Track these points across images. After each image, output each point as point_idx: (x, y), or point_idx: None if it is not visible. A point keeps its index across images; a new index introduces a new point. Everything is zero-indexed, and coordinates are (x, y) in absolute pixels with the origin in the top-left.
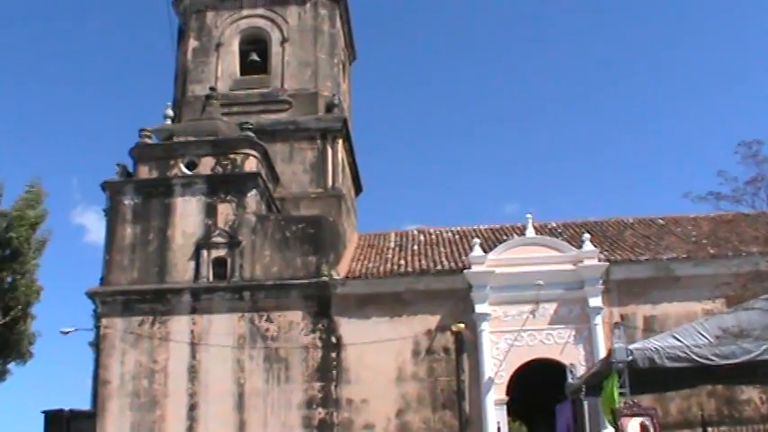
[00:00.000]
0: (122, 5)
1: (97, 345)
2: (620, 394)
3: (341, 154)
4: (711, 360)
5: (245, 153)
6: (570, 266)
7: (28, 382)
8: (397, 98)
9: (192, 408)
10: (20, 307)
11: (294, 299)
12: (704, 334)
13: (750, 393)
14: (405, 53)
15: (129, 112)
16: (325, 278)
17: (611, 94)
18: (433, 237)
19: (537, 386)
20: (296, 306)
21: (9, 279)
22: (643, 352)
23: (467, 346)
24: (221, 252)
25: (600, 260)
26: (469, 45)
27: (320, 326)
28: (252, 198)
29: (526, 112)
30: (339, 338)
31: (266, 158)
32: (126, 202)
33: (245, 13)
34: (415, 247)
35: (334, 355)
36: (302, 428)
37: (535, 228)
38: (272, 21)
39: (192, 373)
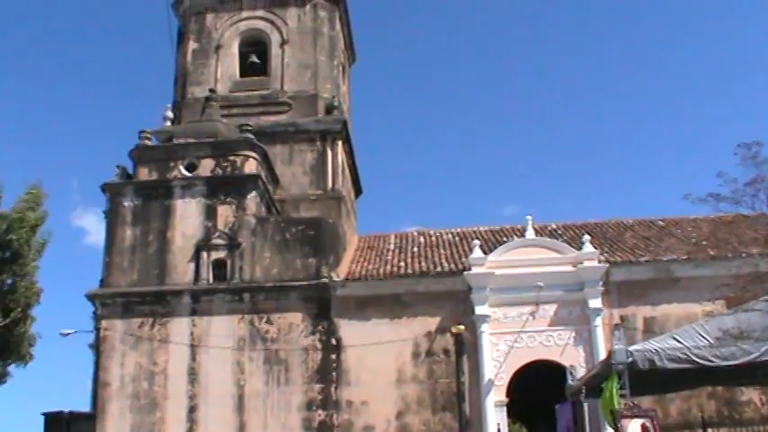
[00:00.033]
0: (122, 8)
1: (97, 347)
2: (621, 396)
3: (341, 156)
4: (711, 361)
5: (244, 155)
6: (570, 268)
7: (28, 384)
8: (397, 100)
9: (192, 410)
10: (20, 309)
11: (294, 301)
12: (704, 335)
13: (750, 395)
14: (404, 55)
15: (129, 114)
16: (325, 280)
17: (610, 96)
18: (433, 238)
19: (537, 388)
20: (296, 308)
21: (9, 281)
22: (643, 353)
23: (467, 347)
24: (221, 254)
25: (600, 262)
26: (469, 46)
27: (320, 328)
28: (252, 200)
29: (526, 113)
30: (339, 340)
31: (266, 160)
32: (126, 203)
33: (244, 14)
34: (415, 249)
35: (334, 356)
36: (302, 430)
37: (535, 229)
38: (272, 23)
39: (192, 374)
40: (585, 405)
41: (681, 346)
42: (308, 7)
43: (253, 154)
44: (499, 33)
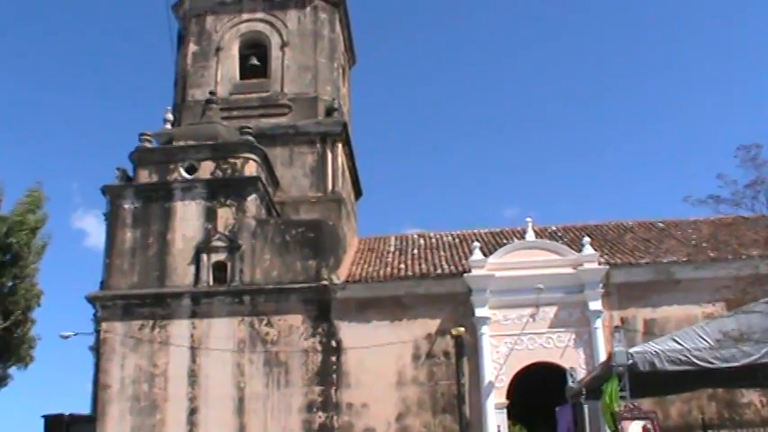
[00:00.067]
0: (122, 10)
1: (97, 349)
2: (621, 398)
3: (341, 158)
4: (712, 363)
5: (244, 157)
6: (570, 270)
7: (28, 387)
8: (397, 102)
9: (192, 412)
10: (20, 311)
11: (294, 303)
12: (705, 337)
13: (750, 396)
14: (404, 57)
15: (129, 117)
16: (325, 282)
17: (610, 98)
18: (433, 240)
19: (537, 390)
20: (296, 310)
21: (9, 284)
22: (643, 355)
23: (467, 349)
24: (221, 256)
25: (600, 263)
26: (469, 48)
27: (320, 330)
28: (252, 202)
29: (526, 115)
30: (339, 342)
31: (266, 162)
32: (126, 206)
33: (244, 17)
34: (415, 251)
35: (334, 359)
36: None
37: (535, 231)
38: (272, 25)
39: (192, 377)
40: (586, 407)
41: (681, 347)
42: (308, 9)
43: (253, 156)
44: (499, 35)
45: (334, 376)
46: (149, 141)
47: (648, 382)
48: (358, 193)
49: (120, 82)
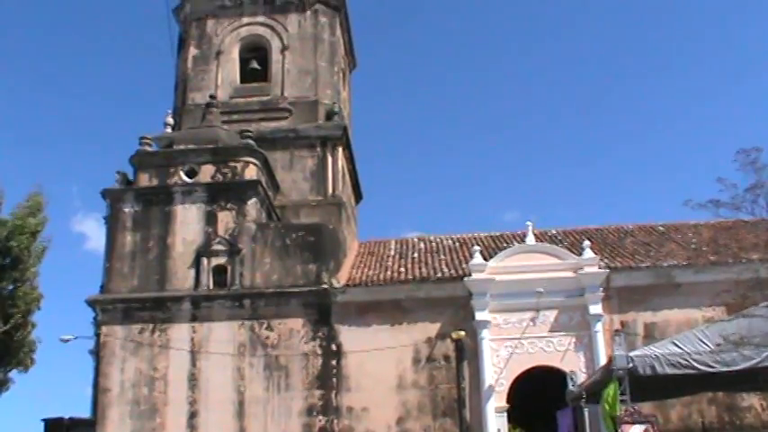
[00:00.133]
0: (123, 13)
1: (97, 352)
2: (621, 401)
3: (341, 162)
4: (712, 367)
5: (245, 161)
6: (570, 274)
7: (28, 390)
8: (397, 106)
9: (193, 415)
10: (20, 315)
11: (294, 307)
12: (705, 341)
13: (751, 400)
14: (404, 61)
15: (130, 120)
16: (325, 286)
17: (610, 101)
18: (434, 244)
19: (537, 394)
20: (296, 314)
21: (9, 287)
22: (643, 359)
23: (467, 353)
24: (221, 260)
25: (600, 267)
26: (469, 52)
27: (320, 333)
28: (252, 206)
29: (526, 119)
30: (339, 346)
31: (266, 166)
32: (126, 209)
33: (245, 20)
34: (416, 255)
35: (334, 362)
36: None
37: (535, 235)
38: (273, 29)
39: (193, 380)
40: (586, 411)
41: (681, 351)
42: (308, 13)
43: (253, 160)
44: (499, 39)
45: (335, 380)
46: (150, 145)
47: (649, 386)
48: (358, 196)
49: (121, 85)
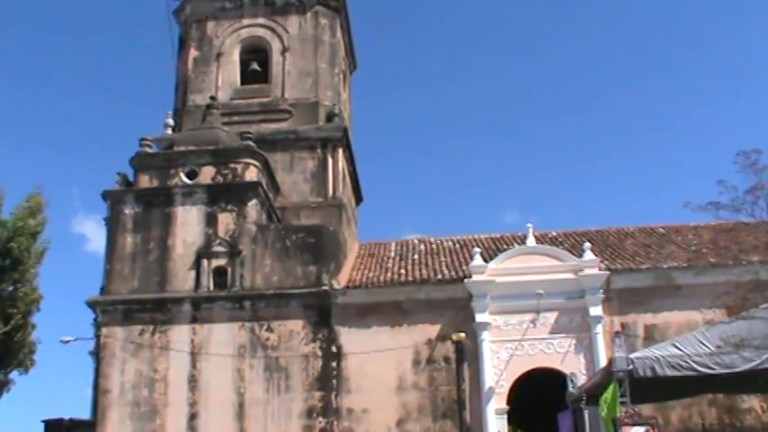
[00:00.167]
0: (123, 14)
1: (97, 354)
2: (621, 403)
3: (341, 163)
4: (712, 369)
5: (245, 162)
6: (571, 275)
7: (28, 391)
8: (398, 107)
9: (193, 417)
10: (20, 316)
11: (294, 308)
12: (705, 343)
13: (751, 402)
14: (404, 62)
15: (130, 121)
16: (325, 287)
17: (610, 103)
18: (434, 246)
19: (537, 395)
20: (296, 315)
21: (9, 288)
22: (644, 361)
23: (467, 355)
24: (222, 261)
25: (600, 269)
26: (469, 53)
27: (320, 335)
28: (252, 207)
29: (526, 120)
30: (339, 348)
31: (267, 168)
32: (126, 211)
33: (245, 22)
34: (416, 257)
35: (334, 364)
36: None
37: (536, 237)
38: (273, 30)
39: (193, 382)
40: (586, 413)
41: (681, 353)
42: (308, 15)
43: (253, 161)
44: (499, 40)
45: (335, 381)
46: (150, 146)
47: (649, 388)
48: (358, 198)
49: (121, 87)
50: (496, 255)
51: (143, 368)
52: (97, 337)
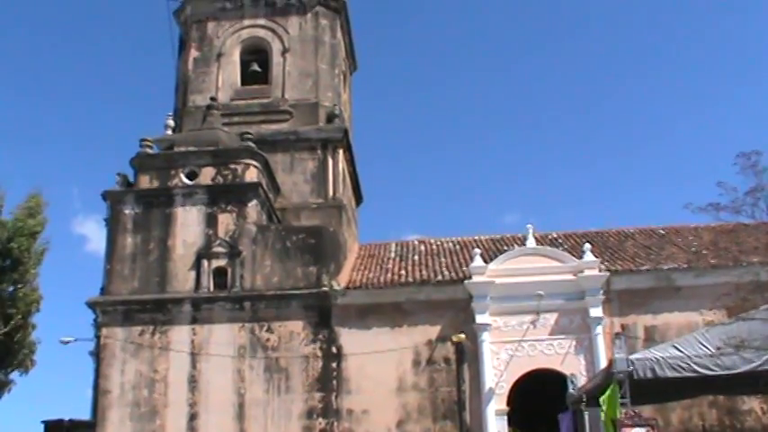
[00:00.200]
0: (123, 15)
1: (97, 354)
2: (621, 404)
3: (342, 164)
4: (713, 370)
5: (245, 163)
6: (571, 277)
7: (28, 392)
8: (398, 108)
9: (193, 417)
10: (20, 316)
11: (295, 309)
12: (705, 344)
13: (751, 404)
14: (405, 63)
15: (130, 122)
16: (325, 288)
17: (611, 103)
18: (434, 247)
19: (538, 397)
20: (296, 316)
21: (9, 288)
22: (644, 362)
23: (467, 356)
24: (222, 262)
25: (601, 270)
26: (469, 55)
27: (321, 336)
28: (252, 208)
29: (526, 121)
30: (340, 348)
31: (267, 169)
32: (127, 211)
33: (246, 23)
34: (416, 258)
35: (334, 365)
36: None
37: (536, 238)
38: (273, 31)
39: (193, 382)
40: (586, 414)
41: (682, 354)
42: (309, 16)
43: (254, 162)
44: (499, 41)
45: (335, 382)
46: (150, 147)
47: (649, 389)
48: (359, 199)
49: (121, 87)
50: (497, 256)
51: (143, 369)
52: (97, 337)
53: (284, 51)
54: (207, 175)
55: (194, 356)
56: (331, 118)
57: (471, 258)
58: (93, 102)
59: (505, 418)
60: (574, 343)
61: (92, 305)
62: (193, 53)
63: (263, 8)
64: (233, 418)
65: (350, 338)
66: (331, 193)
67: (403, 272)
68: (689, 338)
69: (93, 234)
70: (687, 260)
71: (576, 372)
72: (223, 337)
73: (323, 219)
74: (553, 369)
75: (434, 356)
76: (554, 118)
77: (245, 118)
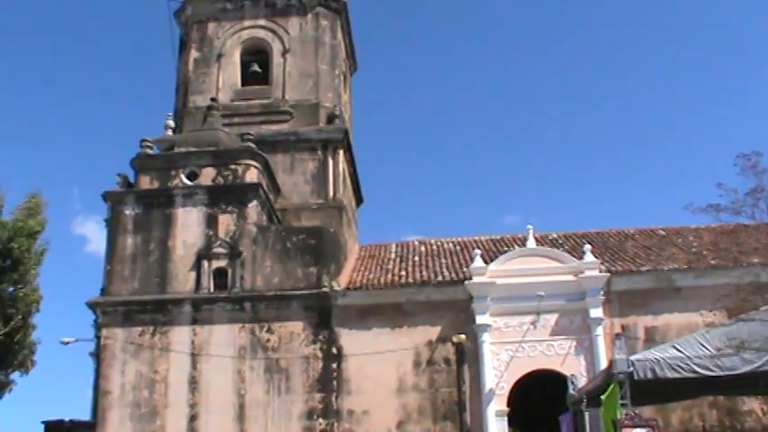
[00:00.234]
0: (124, 16)
1: (98, 355)
2: (622, 405)
3: (342, 165)
4: (713, 371)
5: (246, 164)
6: (571, 277)
7: (28, 392)
8: (398, 109)
9: (193, 418)
10: (20, 316)
11: (295, 310)
12: (705, 345)
13: (752, 404)
14: (405, 64)
15: (131, 123)
16: (325, 289)
17: (611, 104)
18: (434, 247)
19: (538, 397)
20: (297, 317)
21: (10, 289)
22: (644, 363)
23: (468, 357)
24: (222, 263)
25: (601, 271)
26: (469, 56)
27: (321, 337)
28: (253, 209)
29: (526, 122)
30: (340, 349)
31: (267, 169)
32: (127, 212)
33: (246, 23)
34: (416, 258)
35: (334, 365)
36: None
37: (536, 239)
38: (274, 32)
39: (193, 383)
40: (587, 415)
41: (682, 355)
42: (309, 16)
43: (254, 163)
44: (499, 42)
45: (335, 383)
46: (150, 148)
47: (649, 390)
48: (359, 199)
49: (122, 88)
50: (497, 256)
51: (143, 369)
52: (97, 338)
53: (284, 52)
54: (207, 175)
55: (194, 357)
56: (331, 118)
57: (471, 259)
58: (93, 102)
59: (506, 418)
60: (574, 344)
61: (92, 306)
62: (194, 54)
63: (263, 9)
64: (233, 418)
65: (350, 339)
66: (331, 193)
67: (403, 272)
68: (689, 339)
69: (94, 235)
70: (687, 261)
71: (577, 372)
72: (223, 337)
73: (323, 219)
74: (553, 370)
75: (435, 357)
76: (554, 118)
77: (246, 118)
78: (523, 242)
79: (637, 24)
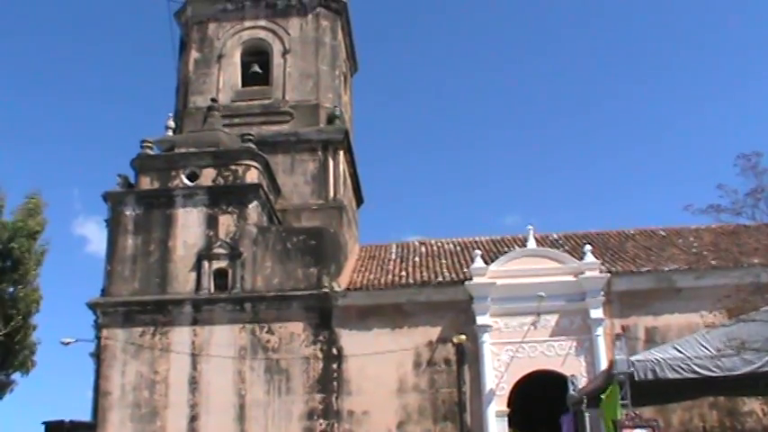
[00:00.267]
0: (124, 16)
1: (98, 355)
2: (622, 406)
3: (342, 165)
4: (713, 372)
5: (246, 164)
6: (571, 278)
7: (28, 393)
8: (398, 109)
9: (193, 419)
10: (20, 317)
11: (295, 310)
12: (706, 346)
13: (752, 405)
14: (405, 65)
15: (131, 123)
16: (326, 290)
17: (611, 104)
18: (435, 248)
19: (538, 398)
20: (297, 317)
21: (10, 289)
22: (644, 364)
23: (468, 357)
24: (222, 263)
25: (601, 271)
26: (469, 57)
27: (321, 337)
28: (253, 209)
29: (526, 122)
30: (340, 350)
31: (268, 170)
32: (127, 212)
33: (246, 24)
34: (417, 259)
35: (335, 366)
36: None
37: (536, 239)
38: (274, 32)
39: (193, 384)
40: (587, 415)
41: (682, 356)
42: (309, 17)
43: (254, 163)
44: (499, 43)
45: (335, 384)
46: (151, 148)
47: (650, 391)
48: (359, 200)
49: (122, 88)
50: (497, 257)
51: (144, 370)
52: (98, 338)
53: (285, 53)
54: (207, 176)
55: (195, 357)
56: (332, 119)
57: (472, 259)
58: (93, 102)
59: (506, 419)
60: (574, 344)
61: (92, 306)
62: (194, 54)
63: (263, 9)
64: (233, 419)
65: (350, 340)
66: (332, 194)
67: (403, 273)
68: (689, 340)
69: (94, 235)
70: (688, 261)
71: (577, 373)
72: (224, 338)
73: (323, 220)
74: (554, 370)
75: (435, 358)
76: (554, 118)
77: (246, 119)
78: (524, 243)
79: (637, 24)
